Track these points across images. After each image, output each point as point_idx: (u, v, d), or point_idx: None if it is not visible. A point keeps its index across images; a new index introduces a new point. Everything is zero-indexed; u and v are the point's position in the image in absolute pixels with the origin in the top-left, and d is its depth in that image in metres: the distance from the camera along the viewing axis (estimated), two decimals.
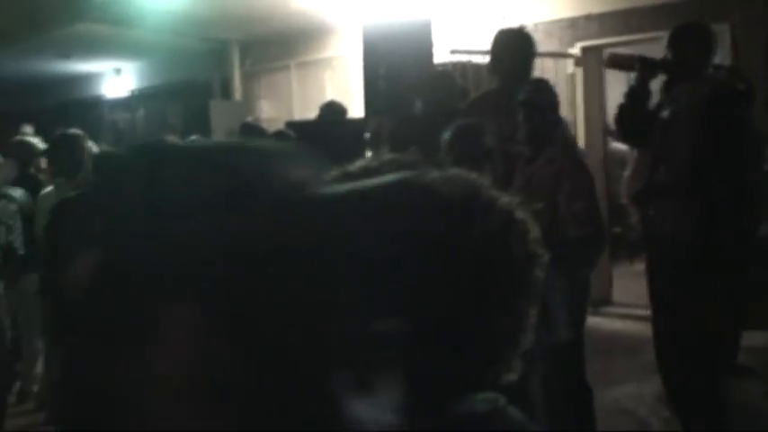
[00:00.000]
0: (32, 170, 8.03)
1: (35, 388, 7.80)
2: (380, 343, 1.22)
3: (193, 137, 7.83)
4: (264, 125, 10.96)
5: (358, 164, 1.34)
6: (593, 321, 9.47)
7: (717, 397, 5.22)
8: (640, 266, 11.44)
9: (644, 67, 5.80)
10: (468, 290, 1.21)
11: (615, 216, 11.71)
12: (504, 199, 1.29)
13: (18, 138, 8.76)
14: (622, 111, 5.96)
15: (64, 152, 6.42)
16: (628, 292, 10.40)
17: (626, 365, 7.77)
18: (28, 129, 10.73)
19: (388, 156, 1.35)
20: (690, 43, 5.74)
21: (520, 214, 1.29)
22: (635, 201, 6.24)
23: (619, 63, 6.14)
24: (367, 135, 7.21)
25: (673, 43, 5.77)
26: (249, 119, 11.37)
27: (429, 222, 1.22)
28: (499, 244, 1.24)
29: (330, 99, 9.39)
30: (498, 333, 1.26)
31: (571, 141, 5.63)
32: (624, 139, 6.56)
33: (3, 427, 6.67)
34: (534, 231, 1.29)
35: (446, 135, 5.20)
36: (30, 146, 8.18)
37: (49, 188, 6.80)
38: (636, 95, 5.82)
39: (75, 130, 6.69)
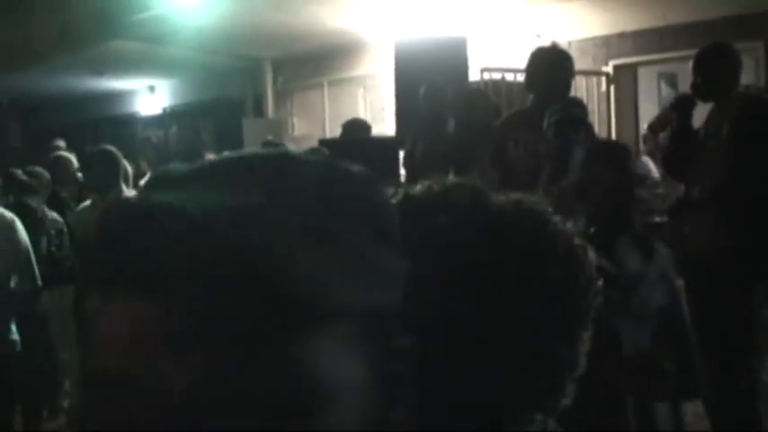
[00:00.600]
0: (58, 188, 8.03)
1: (65, 404, 7.81)
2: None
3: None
4: (297, 143, 11.00)
5: (420, 187, 1.33)
6: None
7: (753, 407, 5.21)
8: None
9: (679, 109, 5.81)
10: (533, 315, 1.22)
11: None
12: (567, 225, 1.30)
13: (55, 154, 8.80)
14: (670, 153, 5.97)
15: (99, 168, 6.47)
16: None
17: None
18: (61, 143, 10.78)
19: (450, 179, 1.35)
20: (717, 62, 5.76)
21: (579, 239, 1.30)
22: (669, 214, 6.24)
23: (660, 124, 6.17)
24: (400, 153, 7.20)
25: (699, 66, 5.79)
26: (269, 137, 11.44)
27: (501, 248, 1.23)
28: (564, 271, 1.25)
29: (353, 117, 9.39)
30: (559, 360, 1.26)
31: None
32: (673, 177, 6.54)
33: None
34: (591, 256, 1.30)
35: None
36: (66, 162, 8.23)
37: (87, 202, 6.83)
38: (680, 136, 5.83)
39: (109, 147, 6.74)
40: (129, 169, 7.45)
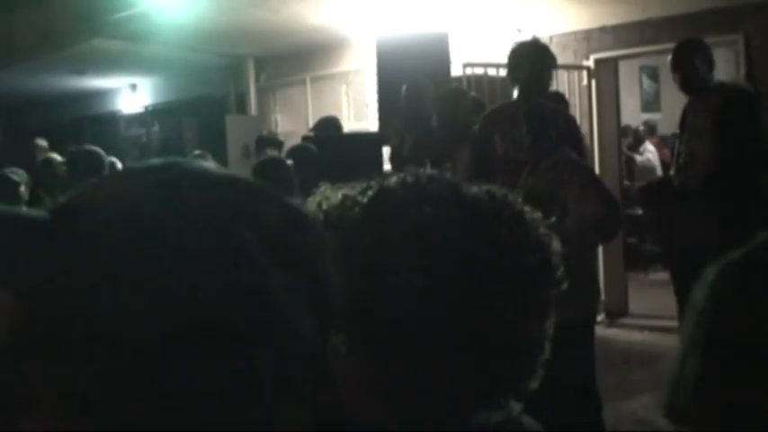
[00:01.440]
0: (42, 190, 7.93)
1: None
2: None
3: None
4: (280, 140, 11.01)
5: (395, 179, 1.35)
6: (609, 332, 9.50)
7: None
8: (656, 277, 11.47)
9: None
10: (507, 300, 1.24)
11: (631, 227, 11.74)
12: (532, 213, 1.33)
13: (45, 156, 8.75)
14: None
15: (85, 169, 6.44)
16: (644, 303, 10.41)
17: (643, 376, 7.76)
18: (42, 142, 10.73)
19: (426, 172, 1.37)
20: (695, 57, 5.88)
21: (543, 227, 1.33)
22: (645, 202, 6.36)
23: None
24: (385, 149, 7.22)
25: (679, 63, 5.89)
26: (264, 132, 11.43)
27: (474, 237, 1.25)
28: (537, 259, 1.27)
29: (324, 116, 9.38)
30: (530, 345, 1.29)
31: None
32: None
33: None
34: (556, 244, 1.33)
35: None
36: (56, 165, 8.13)
37: None
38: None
39: (93, 147, 6.72)
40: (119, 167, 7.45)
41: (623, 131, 14.24)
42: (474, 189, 1.33)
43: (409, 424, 1.29)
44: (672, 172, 6.28)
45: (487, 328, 1.24)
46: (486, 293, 1.24)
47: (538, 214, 1.34)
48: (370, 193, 1.33)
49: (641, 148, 14.00)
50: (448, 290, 1.23)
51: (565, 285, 1.32)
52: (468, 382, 1.27)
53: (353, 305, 1.28)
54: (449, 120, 6.30)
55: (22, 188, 6.78)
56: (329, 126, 8.57)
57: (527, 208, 1.34)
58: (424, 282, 1.23)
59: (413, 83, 6.89)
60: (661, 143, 14.20)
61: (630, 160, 13.66)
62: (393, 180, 1.34)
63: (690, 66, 5.91)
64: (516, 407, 1.34)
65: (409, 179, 1.34)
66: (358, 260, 1.27)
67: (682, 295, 5.88)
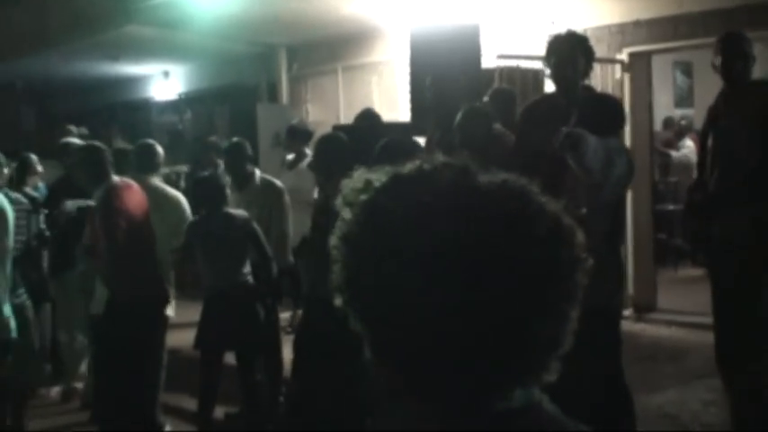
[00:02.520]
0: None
1: (79, 386, 7.86)
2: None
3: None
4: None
5: (410, 166, 1.35)
6: (638, 327, 9.47)
7: None
8: (685, 273, 11.42)
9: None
10: (515, 293, 1.23)
11: (662, 223, 11.69)
12: (552, 204, 1.31)
13: (64, 140, 8.79)
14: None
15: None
16: (672, 298, 10.37)
17: (670, 371, 7.74)
18: (74, 129, 10.76)
19: (439, 158, 1.37)
20: (747, 48, 5.76)
21: (566, 220, 1.31)
22: (692, 209, 6.27)
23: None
24: (417, 139, 7.20)
25: (734, 52, 5.77)
26: (294, 121, 11.47)
27: (480, 225, 1.25)
28: (547, 249, 1.26)
29: (366, 107, 9.39)
30: (542, 336, 1.27)
31: None
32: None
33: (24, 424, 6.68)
34: (579, 236, 1.31)
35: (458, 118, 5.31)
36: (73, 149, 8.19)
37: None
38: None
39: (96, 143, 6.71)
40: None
41: (666, 123, 14.19)
42: (487, 176, 1.32)
43: (432, 411, 1.30)
44: (700, 170, 6.17)
45: (487, 318, 1.23)
46: (493, 282, 1.23)
47: (559, 203, 1.33)
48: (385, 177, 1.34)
49: (680, 143, 13.90)
50: (449, 275, 1.23)
51: (587, 277, 1.30)
52: (482, 370, 1.26)
53: (364, 285, 1.31)
54: (469, 141, 6.21)
55: (5, 170, 6.77)
56: (369, 117, 8.61)
57: (547, 197, 1.32)
58: (425, 267, 1.23)
59: (436, 77, 6.87)
60: (696, 138, 14.12)
61: (666, 156, 13.59)
62: (409, 166, 1.35)
63: (745, 55, 5.76)
64: (538, 394, 1.33)
65: (425, 166, 1.34)
66: (368, 241, 1.29)
67: (721, 295, 5.84)
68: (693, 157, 13.55)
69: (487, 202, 1.28)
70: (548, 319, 1.27)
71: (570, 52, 5.38)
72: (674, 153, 13.71)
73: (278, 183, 7.74)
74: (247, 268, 6.46)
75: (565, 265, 1.27)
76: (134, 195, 6.25)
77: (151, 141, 7.67)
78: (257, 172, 7.65)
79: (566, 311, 1.28)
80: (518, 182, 1.32)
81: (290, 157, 9.98)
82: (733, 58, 5.74)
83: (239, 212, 6.54)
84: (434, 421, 1.30)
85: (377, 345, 1.33)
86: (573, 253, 1.29)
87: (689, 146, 13.67)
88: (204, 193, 6.49)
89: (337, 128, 8.19)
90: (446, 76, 7.71)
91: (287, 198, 7.60)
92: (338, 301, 1.35)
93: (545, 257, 1.26)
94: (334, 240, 1.34)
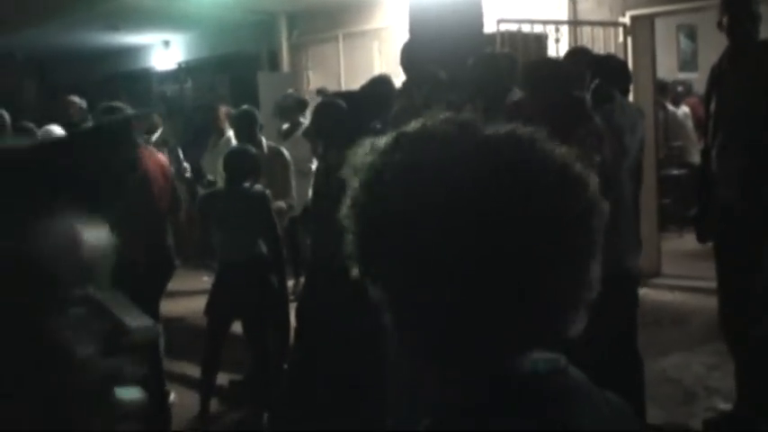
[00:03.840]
0: None
1: None
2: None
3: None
4: (312, 96, 10.99)
5: (415, 124, 1.33)
6: (641, 292, 9.45)
7: None
8: (690, 238, 11.42)
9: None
10: (530, 241, 1.20)
11: (666, 186, 11.65)
12: (560, 151, 1.28)
13: (68, 99, 8.86)
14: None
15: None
16: (677, 263, 10.36)
17: (673, 336, 7.75)
18: (75, 99, 10.79)
19: (443, 115, 1.34)
20: (747, 8, 5.70)
21: (577, 166, 1.28)
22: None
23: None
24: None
25: (741, 8, 5.70)
26: (290, 90, 11.43)
27: (488, 176, 1.22)
28: (558, 195, 1.23)
29: (379, 73, 9.33)
30: (558, 288, 1.24)
31: None
32: None
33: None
34: (592, 183, 1.28)
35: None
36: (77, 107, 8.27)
37: None
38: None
39: (118, 103, 6.74)
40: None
41: (662, 87, 14.08)
42: (493, 129, 1.30)
43: (456, 378, 1.28)
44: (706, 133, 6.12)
45: (497, 272, 1.21)
46: (507, 232, 1.20)
47: (570, 151, 1.30)
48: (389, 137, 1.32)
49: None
50: (461, 229, 1.20)
51: (604, 231, 1.28)
52: (484, 332, 1.24)
53: (377, 251, 1.28)
54: (490, 84, 6.16)
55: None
56: (381, 83, 8.54)
57: (558, 146, 1.29)
58: (437, 223, 1.21)
59: (443, 36, 6.84)
60: (699, 103, 14.02)
61: (671, 113, 13.44)
62: (412, 125, 1.33)
63: (752, 15, 5.70)
64: (562, 359, 1.31)
65: (429, 122, 1.32)
66: (377, 204, 1.27)
67: (723, 261, 5.82)
68: (687, 121, 13.52)
69: (493, 152, 1.25)
70: (567, 268, 1.24)
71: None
72: (673, 109, 13.59)
73: (286, 153, 7.77)
74: (261, 241, 6.47)
75: (578, 210, 1.24)
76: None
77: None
78: (264, 140, 7.68)
79: (584, 259, 1.26)
80: (525, 131, 1.29)
81: (286, 126, 9.98)
82: (740, 18, 5.67)
83: (257, 187, 6.54)
84: (459, 389, 1.28)
85: (398, 312, 1.30)
86: (585, 198, 1.26)
87: (684, 110, 13.63)
88: (238, 164, 6.49)
89: (338, 95, 8.14)
90: (447, 43, 7.65)
91: (292, 169, 7.64)
92: (354, 272, 1.32)
93: (556, 204, 1.23)
94: (344, 210, 1.32)
